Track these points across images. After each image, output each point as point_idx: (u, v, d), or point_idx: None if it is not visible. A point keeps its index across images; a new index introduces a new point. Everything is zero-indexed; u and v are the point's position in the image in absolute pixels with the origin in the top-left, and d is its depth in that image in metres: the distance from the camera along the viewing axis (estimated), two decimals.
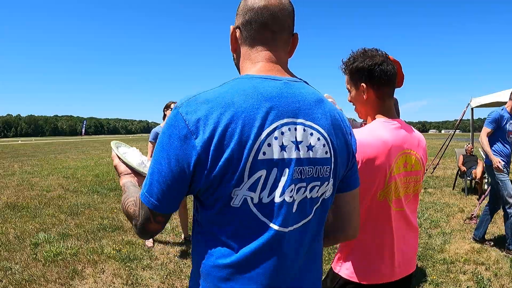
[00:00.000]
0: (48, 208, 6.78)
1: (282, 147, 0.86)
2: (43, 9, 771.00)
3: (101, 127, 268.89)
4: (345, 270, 1.44)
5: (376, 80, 1.44)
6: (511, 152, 4.37)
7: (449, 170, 12.24)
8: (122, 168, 1.19)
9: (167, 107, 4.51)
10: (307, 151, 0.90)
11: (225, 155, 0.81)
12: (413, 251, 1.53)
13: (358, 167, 1.33)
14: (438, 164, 10.53)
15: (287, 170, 0.87)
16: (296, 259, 0.93)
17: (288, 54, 1.03)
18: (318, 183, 0.94)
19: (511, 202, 4.11)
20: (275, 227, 0.87)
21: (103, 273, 3.79)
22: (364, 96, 1.48)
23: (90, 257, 4.21)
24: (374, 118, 1.49)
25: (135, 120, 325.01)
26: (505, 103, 7.47)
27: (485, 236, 4.65)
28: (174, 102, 4.49)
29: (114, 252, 4.34)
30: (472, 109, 8.87)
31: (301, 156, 0.89)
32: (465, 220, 5.74)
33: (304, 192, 0.91)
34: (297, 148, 0.89)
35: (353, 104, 1.57)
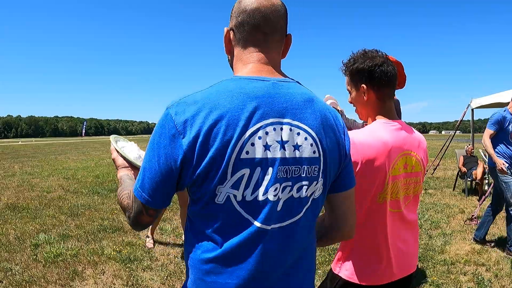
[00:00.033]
0: (48, 209, 6.78)
1: (266, 147, 0.88)
2: (43, 9, 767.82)
3: (102, 128, 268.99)
4: (345, 271, 1.44)
5: (376, 81, 1.45)
6: None
7: (450, 171, 12.24)
8: (119, 161, 1.25)
9: None
10: (294, 150, 0.92)
11: (210, 154, 0.85)
12: (413, 251, 1.53)
13: (358, 168, 1.33)
14: (438, 165, 10.52)
15: (271, 169, 0.89)
16: (283, 258, 0.94)
17: (281, 55, 1.05)
18: (306, 182, 0.94)
19: None
20: (258, 224, 0.89)
21: (103, 274, 3.79)
22: (365, 97, 1.48)
23: (90, 258, 4.21)
24: (375, 119, 1.49)
25: (136, 121, 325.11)
26: (505, 104, 7.47)
27: (486, 237, 4.65)
28: None
29: (115, 253, 4.34)
30: (472, 110, 8.86)
31: (287, 156, 0.91)
32: (465, 221, 5.74)
33: (290, 191, 0.92)
34: (283, 148, 0.90)
35: (354, 106, 1.57)
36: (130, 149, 1.31)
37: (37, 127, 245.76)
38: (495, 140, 4.29)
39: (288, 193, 0.92)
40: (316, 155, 0.95)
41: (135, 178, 1.11)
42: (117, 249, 4.47)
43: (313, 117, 0.95)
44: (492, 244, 4.56)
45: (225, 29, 1.04)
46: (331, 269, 1.52)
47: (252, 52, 0.99)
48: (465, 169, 7.94)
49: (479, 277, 3.67)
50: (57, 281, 3.60)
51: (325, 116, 0.98)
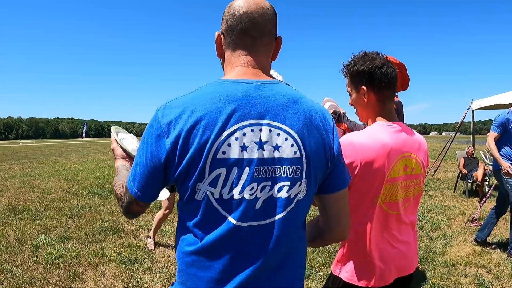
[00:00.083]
0: (49, 210, 6.78)
1: (243, 147, 0.92)
2: (43, 9, 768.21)
3: (102, 130, 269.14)
4: (345, 272, 1.45)
5: (376, 83, 1.45)
6: None
7: (450, 172, 12.23)
8: (118, 151, 1.34)
9: None
10: (273, 151, 0.94)
11: (189, 153, 0.90)
12: (412, 252, 1.53)
13: (357, 170, 1.33)
14: (439, 166, 10.52)
15: (247, 169, 0.92)
16: (262, 256, 0.95)
17: (271, 57, 1.08)
18: (288, 183, 0.95)
19: None
20: (233, 221, 0.93)
21: (103, 276, 3.79)
22: (365, 99, 1.48)
23: (91, 259, 4.21)
24: (375, 121, 1.49)
25: (136, 123, 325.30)
26: (505, 105, 7.47)
27: (487, 239, 4.63)
28: None
29: (115, 255, 4.34)
30: (473, 111, 8.86)
31: (265, 156, 0.93)
32: (466, 222, 5.73)
33: (270, 190, 0.94)
34: (261, 148, 0.93)
35: (354, 107, 1.57)
36: (129, 141, 1.39)
37: (37, 129, 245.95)
38: (500, 143, 4.25)
39: (267, 193, 0.94)
40: (298, 155, 0.96)
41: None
42: (118, 251, 4.47)
43: (296, 118, 0.97)
44: (493, 246, 4.56)
45: (216, 33, 1.08)
46: (331, 271, 1.52)
47: (240, 55, 1.02)
48: (465, 170, 7.93)
49: (480, 279, 3.67)
50: (58, 283, 3.60)
51: (310, 117, 0.99)
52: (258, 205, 0.94)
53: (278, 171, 0.94)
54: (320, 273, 3.81)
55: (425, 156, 1.53)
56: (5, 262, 4.12)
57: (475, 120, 9.37)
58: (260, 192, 0.93)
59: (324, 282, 3.58)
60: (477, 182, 7.57)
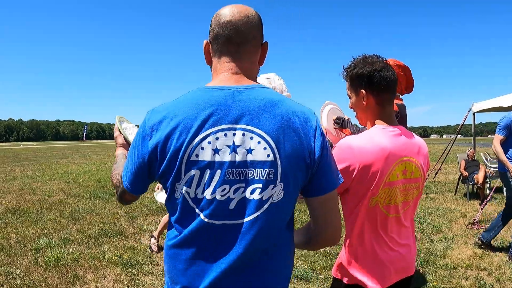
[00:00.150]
0: (49, 213, 6.78)
1: (215, 151, 0.97)
2: (43, 9, 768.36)
3: (103, 132, 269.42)
4: (346, 275, 1.45)
5: (375, 86, 1.45)
6: None
7: (451, 175, 12.22)
8: (120, 140, 1.46)
9: None
10: (246, 154, 0.98)
11: (168, 156, 0.98)
12: (411, 255, 1.53)
13: (355, 173, 1.34)
14: (440, 169, 10.50)
15: (219, 171, 0.97)
16: (236, 254, 0.98)
17: (258, 62, 1.14)
18: (260, 185, 0.98)
19: None
20: (205, 219, 0.99)
21: (104, 279, 3.79)
22: (364, 102, 1.48)
23: (91, 262, 4.20)
24: (374, 124, 1.49)
25: (137, 125, 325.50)
26: (506, 108, 7.47)
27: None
28: None
29: (116, 257, 4.34)
30: (473, 114, 8.86)
31: (238, 159, 0.97)
32: (467, 225, 5.72)
33: (243, 192, 0.98)
34: (234, 152, 0.97)
35: (354, 111, 1.58)
36: (131, 131, 1.47)
37: (38, 131, 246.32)
38: (506, 145, 4.21)
39: (241, 194, 0.98)
40: (271, 158, 0.98)
41: None
42: (118, 254, 4.47)
43: (271, 121, 0.99)
44: (494, 248, 4.54)
45: (204, 41, 1.13)
46: (333, 274, 1.52)
47: (225, 62, 1.08)
48: (466, 173, 7.92)
49: (481, 281, 3.66)
50: (58, 286, 3.60)
51: (287, 120, 1.00)
52: (232, 205, 0.98)
53: (251, 174, 0.98)
54: (321, 276, 3.80)
55: (425, 159, 1.53)
56: (6, 265, 4.12)
57: (476, 122, 9.36)
58: (234, 193, 0.98)
59: (324, 285, 3.58)
60: (478, 185, 7.56)
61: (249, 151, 0.97)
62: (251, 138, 0.97)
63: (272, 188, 0.98)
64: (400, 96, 2.99)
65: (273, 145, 0.98)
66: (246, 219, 0.99)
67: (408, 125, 3.01)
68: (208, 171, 0.97)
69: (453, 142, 9.50)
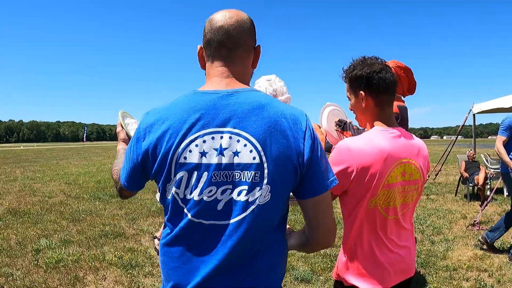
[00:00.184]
0: (49, 214, 6.79)
1: (203, 153, 1.00)
2: (43, 9, 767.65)
3: (103, 133, 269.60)
4: (347, 277, 1.45)
5: (374, 87, 1.45)
6: None
7: (451, 176, 12.21)
8: (122, 135, 1.51)
9: None
10: (233, 156, 1.00)
11: (158, 158, 1.02)
12: (411, 256, 1.53)
13: (354, 175, 1.34)
14: (440, 170, 10.50)
15: (206, 173, 1.00)
16: (223, 253, 1.01)
17: (251, 66, 1.16)
18: (246, 187, 1.00)
19: None
20: (194, 219, 1.02)
21: (104, 280, 3.79)
22: (363, 104, 1.49)
23: (91, 263, 4.21)
24: (373, 126, 1.49)
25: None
26: (507, 109, 7.47)
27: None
28: None
29: (116, 259, 4.34)
30: (474, 115, 8.86)
31: (224, 162, 1.00)
32: (467, 226, 5.71)
33: (230, 194, 1.01)
34: (221, 154, 1.00)
35: (354, 112, 1.58)
36: (133, 127, 1.49)
37: (39, 132, 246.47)
38: (509, 146, 4.20)
39: (228, 195, 1.01)
40: (257, 161, 0.99)
41: None
42: (119, 255, 4.47)
43: (258, 124, 1.00)
44: (495, 250, 4.53)
45: (198, 46, 1.16)
46: (333, 276, 1.53)
47: (217, 67, 1.11)
48: (467, 174, 7.92)
49: (482, 283, 3.66)
50: (58, 287, 3.60)
51: (275, 122, 1.00)
52: (220, 206, 1.01)
53: (238, 176, 1.00)
54: (322, 278, 3.80)
55: (425, 161, 1.52)
56: (6, 266, 4.12)
57: (476, 123, 9.37)
58: (221, 194, 1.01)
59: (325, 287, 3.58)
60: (479, 186, 7.55)
61: (236, 153, 0.99)
62: (238, 141, 0.99)
63: (258, 190, 0.99)
64: (402, 97, 2.98)
65: (259, 148, 0.99)
66: (233, 220, 1.01)
67: (409, 126, 3.00)
68: (195, 173, 1.00)
69: (454, 143, 9.51)
